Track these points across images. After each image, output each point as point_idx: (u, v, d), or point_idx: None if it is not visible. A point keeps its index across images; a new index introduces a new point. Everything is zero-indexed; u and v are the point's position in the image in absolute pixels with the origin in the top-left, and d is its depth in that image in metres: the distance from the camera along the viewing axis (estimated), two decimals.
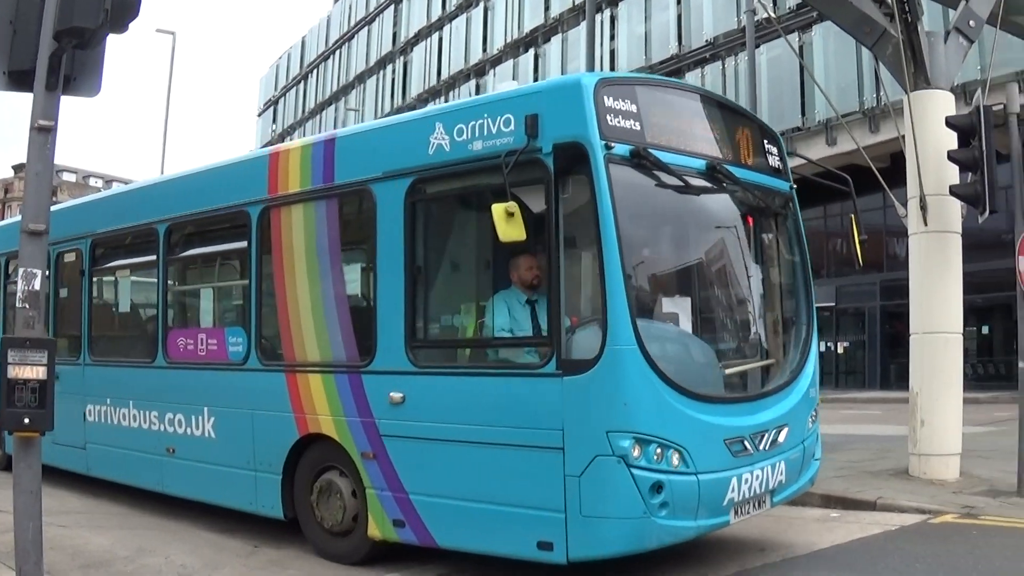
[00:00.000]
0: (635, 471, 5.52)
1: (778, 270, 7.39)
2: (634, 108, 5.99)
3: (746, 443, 6.26)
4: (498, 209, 5.64)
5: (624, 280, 5.53)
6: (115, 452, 9.28)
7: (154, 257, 8.85)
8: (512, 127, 5.98)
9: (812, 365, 7.18)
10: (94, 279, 9.93)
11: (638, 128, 5.98)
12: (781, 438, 6.64)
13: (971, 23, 10.52)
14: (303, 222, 7.42)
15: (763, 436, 6.44)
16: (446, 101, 42.55)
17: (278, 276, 7.59)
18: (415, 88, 47.62)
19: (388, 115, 45.00)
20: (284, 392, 7.39)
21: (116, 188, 11.49)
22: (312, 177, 7.34)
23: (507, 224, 5.64)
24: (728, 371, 6.55)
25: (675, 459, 5.71)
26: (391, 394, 6.55)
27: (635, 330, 5.54)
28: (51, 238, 9.82)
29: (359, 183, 6.96)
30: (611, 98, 5.85)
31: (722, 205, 6.74)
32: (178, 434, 8.43)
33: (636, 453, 5.54)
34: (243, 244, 7.93)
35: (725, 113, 7.01)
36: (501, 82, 37.17)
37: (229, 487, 7.93)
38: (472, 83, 43.47)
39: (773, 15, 23.39)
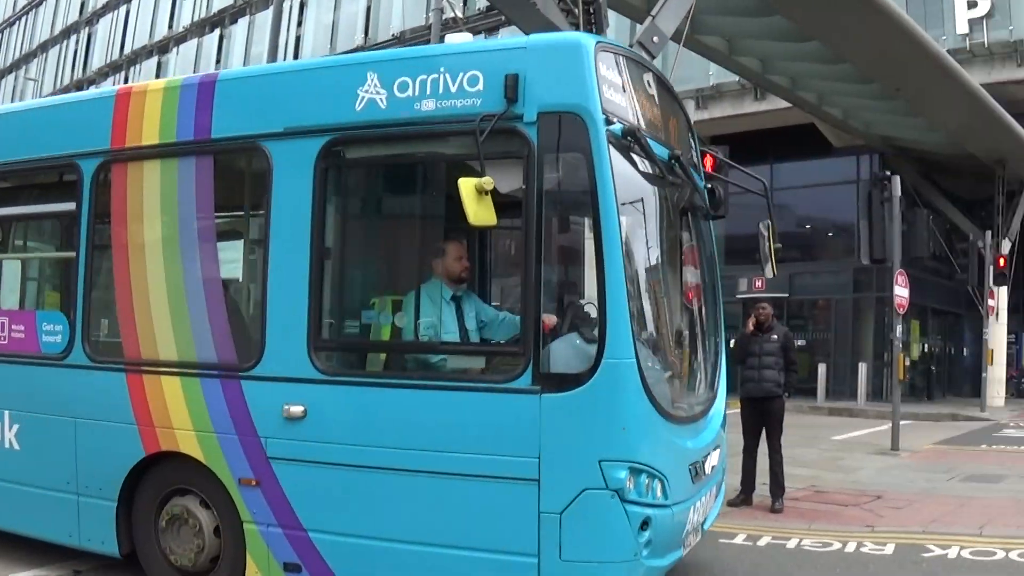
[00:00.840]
0: (628, 506, 4.62)
1: (705, 273, 6.75)
2: (620, 81, 5.08)
3: (698, 467, 5.55)
4: (468, 185, 4.53)
5: (625, 282, 4.61)
6: None
7: None
8: (480, 86, 4.84)
9: (724, 377, 6.61)
10: None
11: (624, 105, 5.08)
12: (716, 460, 6.01)
13: (655, 39, 10.60)
14: (160, 183, 5.80)
15: (707, 459, 5.77)
16: (127, 79, 41.43)
17: (120, 249, 5.94)
18: (97, 61, 45.49)
19: (67, 90, 43.12)
20: (124, 397, 5.76)
21: None
22: (179, 127, 5.75)
23: (479, 204, 4.54)
24: (669, 379, 5.79)
25: (659, 490, 4.86)
26: (287, 407, 5.18)
27: (634, 341, 4.63)
28: None
29: (247, 139, 5.51)
30: (605, 66, 4.89)
31: (677, 202, 5.96)
32: None
33: (630, 485, 4.63)
34: (70, 206, 6.16)
35: (674, 98, 6.26)
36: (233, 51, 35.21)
37: (40, 514, 6.15)
38: (155, 60, 41.84)
39: (461, 15, 23.49)
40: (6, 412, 6.28)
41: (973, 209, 26.76)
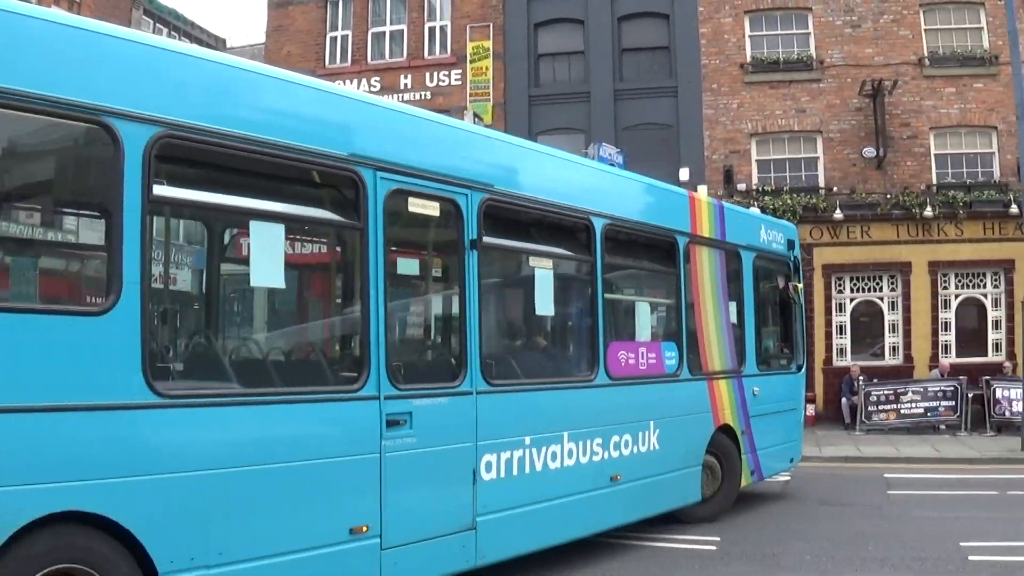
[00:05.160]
0: None
1: None
2: None
3: None
4: (799, 288, 10.46)
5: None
6: (532, 510, 6.28)
7: (589, 257, 6.98)
8: (782, 241, 10.48)
9: None
10: (482, 254, 5.96)
11: None
12: None
13: None
14: (708, 261, 8.83)
15: None
16: None
17: (695, 301, 8.57)
18: None
19: None
20: (706, 396, 8.63)
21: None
22: (714, 228, 8.94)
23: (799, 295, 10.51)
24: None
25: None
26: (754, 389, 9.52)
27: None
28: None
29: (737, 246, 9.39)
30: None
31: None
32: (624, 456, 7.28)
33: None
34: (671, 267, 8.17)
35: None
36: None
37: (669, 493, 7.92)
38: None
39: None
40: (651, 422, 7.70)
41: None
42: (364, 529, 5.19)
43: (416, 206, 5.70)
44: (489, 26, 21.19)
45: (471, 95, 20.88)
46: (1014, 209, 18.37)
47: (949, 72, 20.10)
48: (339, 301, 6.03)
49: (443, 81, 21.41)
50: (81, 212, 5.02)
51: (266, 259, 4.90)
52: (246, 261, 4.93)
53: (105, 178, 4.35)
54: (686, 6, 20.68)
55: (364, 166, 5.31)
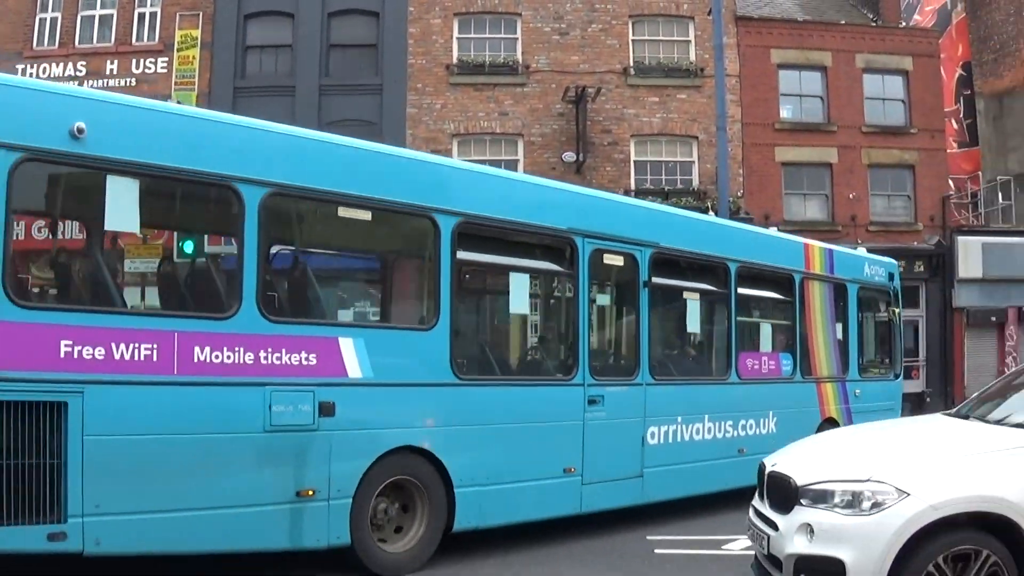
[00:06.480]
0: None
1: None
2: None
3: None
4: (898, 312, 12.29)
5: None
6: (681, 468, 8.67)
7: (726, 290, 9.31)
8: (883, 275, 12.37)
9: None
10: (651, 290, 8.57)
11: None
12: None
13: None
14: (818, 292, 10.94)
15: None
16: None
17: (807, 323, 10.65)
18: None
19: None
20: (815, 395, 10.76)
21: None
22: (824, 267, 11.04)
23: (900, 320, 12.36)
24: None
25: None
26: (855, 390, 11.49)
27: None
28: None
29: (843, 280, 11.42)
30: None
31: None
32: (749, 435, 9.51)
33: None
34: (788, 297, 10.34)
35: None
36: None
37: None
38: None
39: None
40: (770, 411, 9.90)
41: None
42: (572, 470, 7.74)
43: (608, 259, 8.24)
44: (199, 15, 20.51)
45: (176, 84, 20.14)
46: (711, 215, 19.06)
47: (653, 82, 20.88)
48: (560, 322, 8.64)
49: (149, 68, 20.51)
50: (417, 271, 7.81)
51: (519, 296, 7.56)
52: (507, 296, 7.58)
53: (431, 250, 7.06)
54: (396, 5, 20.75)
55: (577, 235, 7.89)
